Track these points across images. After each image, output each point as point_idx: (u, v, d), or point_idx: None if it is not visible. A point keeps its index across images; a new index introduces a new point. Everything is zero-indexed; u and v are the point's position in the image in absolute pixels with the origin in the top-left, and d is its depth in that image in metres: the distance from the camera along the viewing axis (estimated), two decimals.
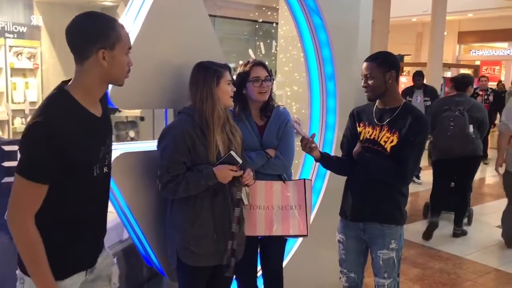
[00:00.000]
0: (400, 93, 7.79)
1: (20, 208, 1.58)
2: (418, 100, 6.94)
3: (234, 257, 2.26)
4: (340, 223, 2.62)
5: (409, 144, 2.34)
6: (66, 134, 1.56)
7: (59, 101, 1.62)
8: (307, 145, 2.44)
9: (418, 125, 2.36)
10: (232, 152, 2.17)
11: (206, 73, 2.21)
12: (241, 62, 2.63)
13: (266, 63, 2.64)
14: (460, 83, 4.89)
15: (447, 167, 4.88)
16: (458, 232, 5.08)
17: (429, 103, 6.77)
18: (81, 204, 1.70)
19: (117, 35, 1.64)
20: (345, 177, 2.63)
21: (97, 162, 1.70)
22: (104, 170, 1.77)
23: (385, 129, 2.40)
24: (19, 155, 1.60)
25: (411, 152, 2.35)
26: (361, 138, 2.49)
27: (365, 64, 2.42)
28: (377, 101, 2.48)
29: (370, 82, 2.39)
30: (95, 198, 1.77)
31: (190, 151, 2.16)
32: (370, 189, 2.45)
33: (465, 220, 5.34)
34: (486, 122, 4.85)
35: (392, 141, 2.37)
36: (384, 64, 2.39)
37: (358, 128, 2.53)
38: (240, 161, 2.18)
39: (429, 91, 7.10)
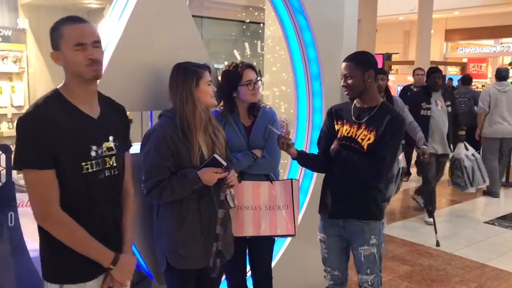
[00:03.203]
0: (398, 94, 7.38)
1: (41, 200, 1.64)
2: (439, 107, 5.27)
3: (219, 258, 2.25)
4: (321, 222, 2.64)
5: (386, 142, 2.38)
6: (50, 125, 1.62)
7: (47, 98, 1.71)
8: (284, 143, 2.45)
9: (395, 124, 2.41)
10: (216, 155, 2.15)
11: (186, 74, 2.19)
12: (226, 63, 2.62)
13: (254, 63, 2.64)
14: (466, 80, 7.94)
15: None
16: None
17: (450, 108, 5.34)
18: (78, 200, 1.71)
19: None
20: None
21: (87, 160, 1.70)
22: (106, 173, 1.76)
23: (363, 127, 2.44)
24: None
25: (387, 150, 2.38)
26: (338, 136, 2.52)
27: (344, 64, 2.47)
28: (355, 100, 2.52)
29: (349, 81, 2.44)
30: (95, 198, 1.75)
31: (173, 155, 2.14)
32: (347, 186, 2.47)
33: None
34: None
35: (369, 139, 2.41)
36: (362, 63, 2.43)
37: (336, 126, 2.56)
38: (224, 163, 2.16)
39: (449, 93, 5.57)
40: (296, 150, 2.52)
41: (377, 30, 13.46)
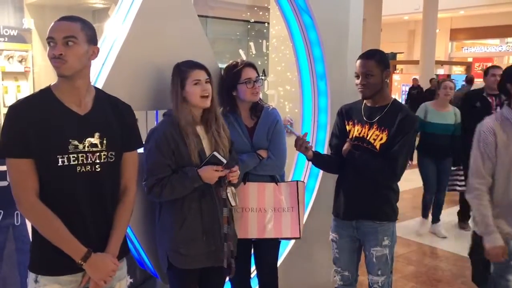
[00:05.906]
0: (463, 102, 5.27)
1: (17, 188, 1.70)
2: None
3: (233, 257, 2.26)
4: (333, 222, 2.63)
5: (399, 142, 2.35)
6: (27, 117, 1.68)
7: (36, 92, 1.79)
8: (303, 145, 2.44)
9: (408, 122, 2.38)
10: (215, 153, 2.15)
11: (174, 74, 2.22)
12: (231, 62, 2.61)
13: (259, 63, 2.62)
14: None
15: None
16: None
17: None
18: (55, 193, 1.72)
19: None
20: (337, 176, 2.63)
21: (63, 153, 1.71)
22: (86, 168, 1.75)
23: (375, 127, 2.42)
24: None
25: (401, 149, 2.36)
26: (350, 136, 2.50)
27: (362, 62, 2.40)
28: (366, 100, 2.50)
29: (370, 80, 2.37)
30: (72, 192, 1.75)
31: (174, 153, 2.15)
32: (361, 186, 2.46)
33: None
34: None
35: (381, 139, 2.38)
36: (382, 62, 2.41)
37: (347, 126, 2.53)
38: (224, 161, 2.16)
39: None
40: (312, 151, 2.52)
41: (382, 30, 13.43)
